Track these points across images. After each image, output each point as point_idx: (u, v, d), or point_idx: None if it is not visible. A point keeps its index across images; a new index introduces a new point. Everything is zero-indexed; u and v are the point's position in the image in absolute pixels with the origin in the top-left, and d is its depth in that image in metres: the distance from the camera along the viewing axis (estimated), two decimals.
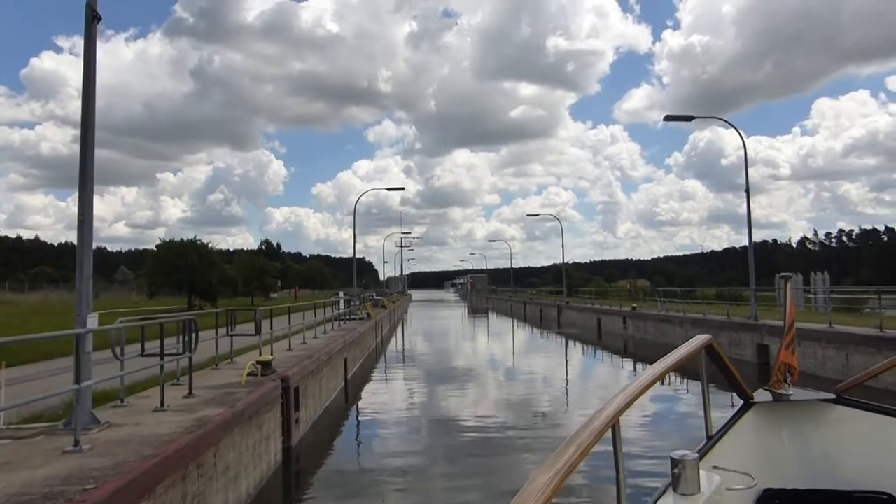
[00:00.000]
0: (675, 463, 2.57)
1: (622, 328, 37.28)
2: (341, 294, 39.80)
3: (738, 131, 25.22)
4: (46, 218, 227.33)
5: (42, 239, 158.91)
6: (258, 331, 14.28)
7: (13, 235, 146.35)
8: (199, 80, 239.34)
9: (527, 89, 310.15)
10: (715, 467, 3.10)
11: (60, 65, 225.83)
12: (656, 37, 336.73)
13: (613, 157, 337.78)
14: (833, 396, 4.08)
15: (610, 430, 2.03)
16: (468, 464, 11.38)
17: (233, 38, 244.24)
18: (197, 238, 43.73)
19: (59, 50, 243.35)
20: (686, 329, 28.05)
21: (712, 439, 3.55)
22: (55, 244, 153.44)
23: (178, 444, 6.45)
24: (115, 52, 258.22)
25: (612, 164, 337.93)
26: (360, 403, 18.58)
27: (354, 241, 40.90)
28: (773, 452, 3.96)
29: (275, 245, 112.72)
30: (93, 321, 7.43)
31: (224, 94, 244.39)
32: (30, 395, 7.12)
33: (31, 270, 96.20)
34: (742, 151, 24.49)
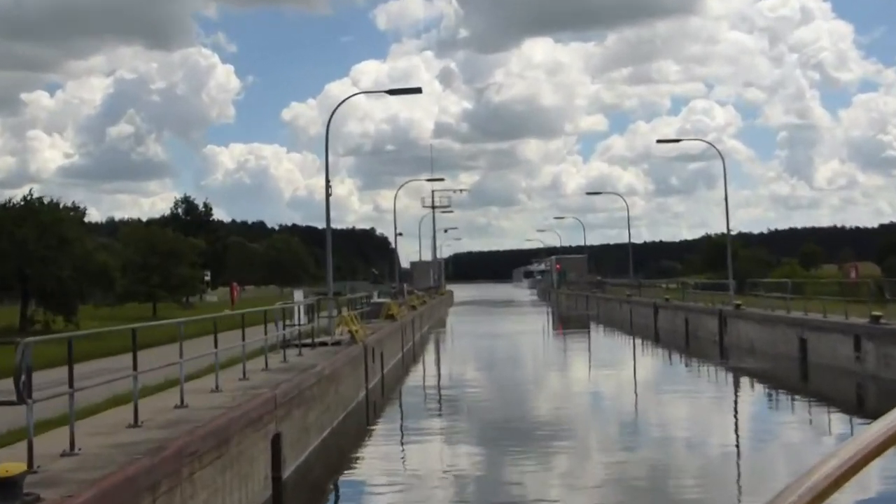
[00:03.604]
0: None
1: (853, 360, 20.33)
2: (298, 296, 22.08)
3: None
4: None
5: None
6: (22, 398, 6.09)
7: None
8: None
9: None
10: None
11: None
12: None
13: (806, 46, 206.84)
14: None
15: None
16: None
17: None
18: (35, 197, 26.13)
19: None
20: None
21: None
22: None
23: None
24: None
25: (803, 59, 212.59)
26: None
27: (328, 195, 21.98)
28: None
29: (201, 207, 70.35)
30: None
31: None
32: None
33: None
34: None
